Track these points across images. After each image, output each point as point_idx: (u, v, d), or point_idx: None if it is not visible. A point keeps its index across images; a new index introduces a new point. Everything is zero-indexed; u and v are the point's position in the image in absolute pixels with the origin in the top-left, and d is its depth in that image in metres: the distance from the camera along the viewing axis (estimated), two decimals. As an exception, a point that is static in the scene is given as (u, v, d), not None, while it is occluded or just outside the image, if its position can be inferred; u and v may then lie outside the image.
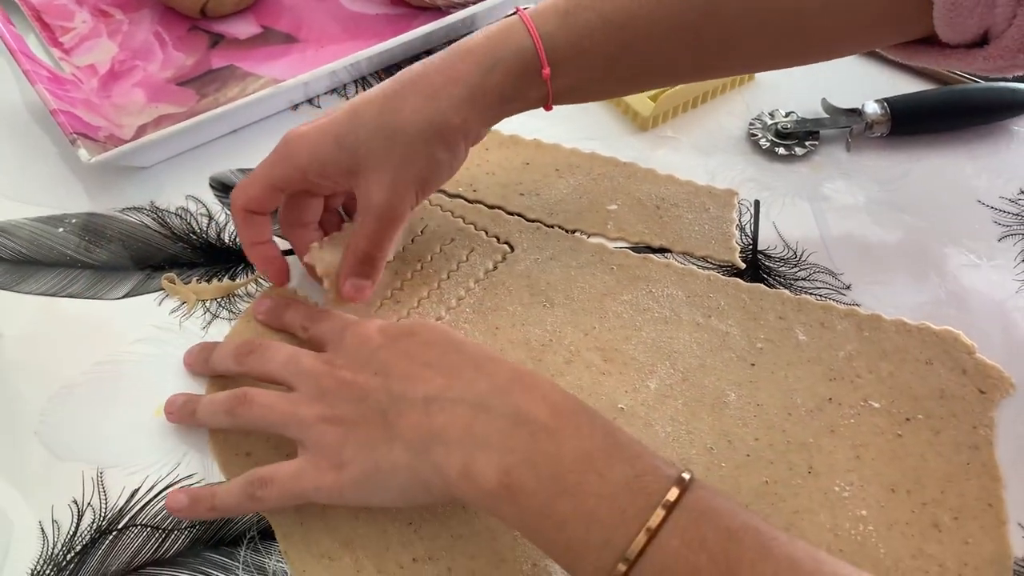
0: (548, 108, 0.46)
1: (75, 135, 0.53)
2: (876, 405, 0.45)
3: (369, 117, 0.43)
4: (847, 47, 0.48)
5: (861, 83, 0.62)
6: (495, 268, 0.51)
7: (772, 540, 0.31)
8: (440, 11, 0.65)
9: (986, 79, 0.60)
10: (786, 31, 0.45)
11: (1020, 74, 0.44)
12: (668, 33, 0.44)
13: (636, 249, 0.52)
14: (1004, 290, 0.51)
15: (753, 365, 0.47)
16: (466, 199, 0.55)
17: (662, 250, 0.52)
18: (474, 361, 0.38)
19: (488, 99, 0.44)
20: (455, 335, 0.40)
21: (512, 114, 0.46)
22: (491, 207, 0.54)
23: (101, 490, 0.42)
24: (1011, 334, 0.48)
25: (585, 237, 0.53)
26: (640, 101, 0.59)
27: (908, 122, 0.57)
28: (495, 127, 0.58)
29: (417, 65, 0.44)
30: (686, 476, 0.33)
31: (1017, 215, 0.54)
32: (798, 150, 0.57)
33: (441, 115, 0.43)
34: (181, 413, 0.43)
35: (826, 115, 0.59)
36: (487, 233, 0.53)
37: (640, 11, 0.44)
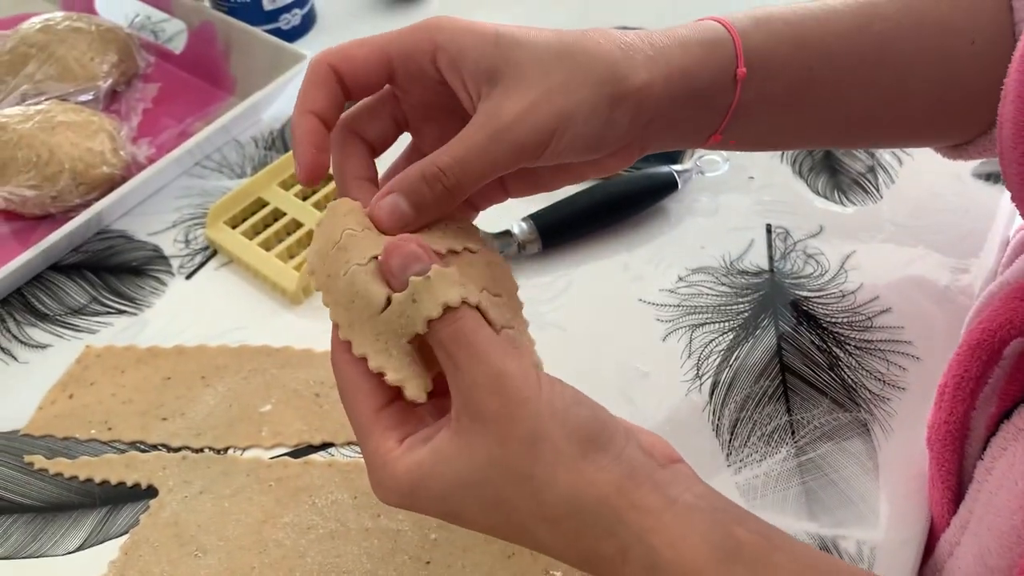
0: (717, 138, 0.40)
1: None
2: (557, 574, 0.43)
3: (545, 32, 0.35)
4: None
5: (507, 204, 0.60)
6: (137, 523, 0.45)
7: None
8: (56, 219, 0.59)
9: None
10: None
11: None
12: (848, 66, 0.41)
13: (296, 453, 0.48)
14: (672, 396, 0.50)
15: (428, 563, 0.43)
16: (100, 441, 0.49)
17: (325, 446, 0.48)
18: None
19: (676, 74, 0.36)
20: None
21: (683, 131, 0.39)
22: (130, 444, 0.48)
23: None
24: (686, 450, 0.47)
25: (239, 453, 0.48)
26: (283, 273, 0.55)
27: (558, 233, 0.56)
28: (133, 341, 0.53)
29: None
30: None
31: (677, 306, 0.54)
32: (456, 289, 0.55)
33: (628, 61, 0.35)
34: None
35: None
36: (127, 484, 0.47)
37: (827, 35, 0.40)
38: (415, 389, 0.32)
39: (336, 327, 0.33)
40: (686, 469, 0.33)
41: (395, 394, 0.33)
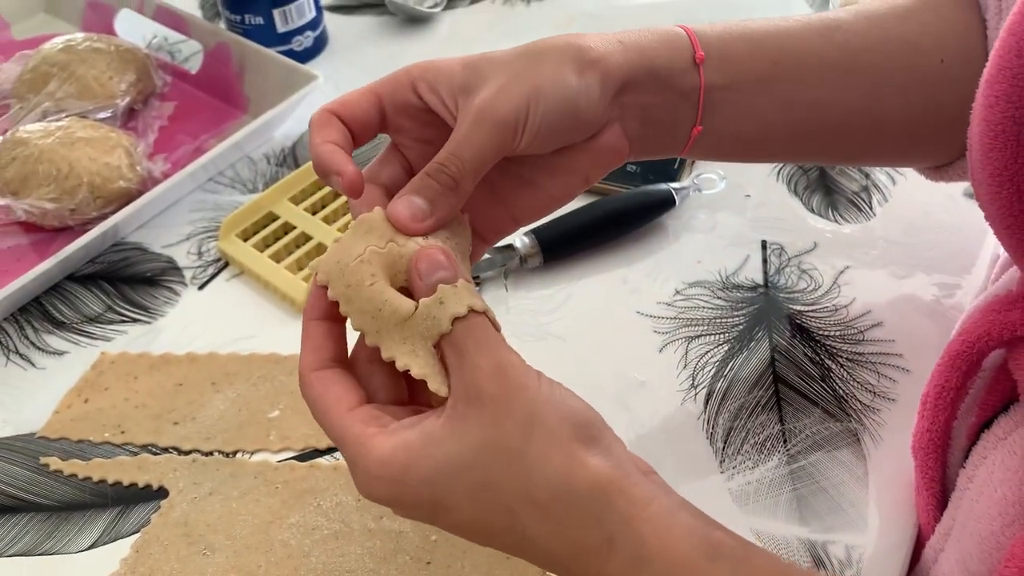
0: (697, 130, 0.42)
1: None
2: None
3: (505, 50, 0.39)
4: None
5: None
6: (148, 522, 0.47)
7: None
8: (74, 231, 0.61)
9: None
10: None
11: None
12: (813, 70, 0.42)
13: (303, 457, 0.50)
14: (668, 405, 0.51)
15: (428, 563, 0.45)
16: (113, 444, 0.50)
17: (330, 450, 0.50)
18: None
19: (633, 50, 0.40)
20: None
21: (660, 117, 0.41)
22: (142, 447, 0.50)
23: None
24: (680, 456, 0.49)
25: (247, 456, 0.50)
26: (292, 284, 0.57)
27: (558, 247, 0.58)
28: (147, 349, 0.55)
29: None
30: None
31: (674, 319, 0.55)
32: (459, 301, 0.56)
33: (582, 41, 0.39)
34: None
35: (487, 255, 0.58)
36: (139, 485, 0.48)
37: (787, 39, 0.42)
38: (438, 382, 0.34)
39: (362, 335, 0.35)
40: (662, 481, 0.34)
41: (365, 398, 0.35)
